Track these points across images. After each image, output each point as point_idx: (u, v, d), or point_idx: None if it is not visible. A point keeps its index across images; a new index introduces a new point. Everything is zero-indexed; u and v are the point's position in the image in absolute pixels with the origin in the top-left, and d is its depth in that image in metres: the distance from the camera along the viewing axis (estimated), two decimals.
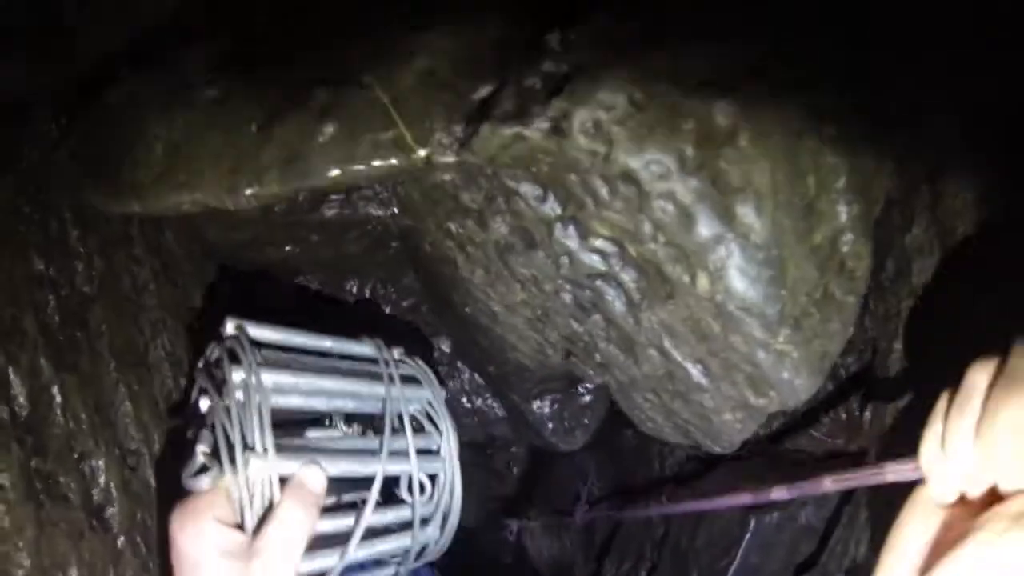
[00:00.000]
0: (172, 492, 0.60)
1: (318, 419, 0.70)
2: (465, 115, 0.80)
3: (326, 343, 0.74)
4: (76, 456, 0.76)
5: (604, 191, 0.77)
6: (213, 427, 0.60)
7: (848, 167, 0.78)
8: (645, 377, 0.95)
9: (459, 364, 1.53)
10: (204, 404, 0.63)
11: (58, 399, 0.76)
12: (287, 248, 1.19)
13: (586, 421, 1.56)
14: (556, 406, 1.51)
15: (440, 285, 1.18)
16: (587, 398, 1.54)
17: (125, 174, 0.85)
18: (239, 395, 0.60)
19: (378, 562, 0.71)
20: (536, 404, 1.50)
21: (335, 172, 0.80)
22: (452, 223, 0.95)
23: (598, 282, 0.87)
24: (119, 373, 0.87)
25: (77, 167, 0.88)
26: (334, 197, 1.09)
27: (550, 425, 1.52)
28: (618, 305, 0.87)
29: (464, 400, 1.55)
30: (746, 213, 0.74)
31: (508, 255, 0.92)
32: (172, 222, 1.07)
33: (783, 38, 0.79)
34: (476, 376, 1.55)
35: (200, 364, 0.67)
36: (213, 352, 0.66)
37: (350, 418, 0.72)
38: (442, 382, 0.84)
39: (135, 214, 0.92)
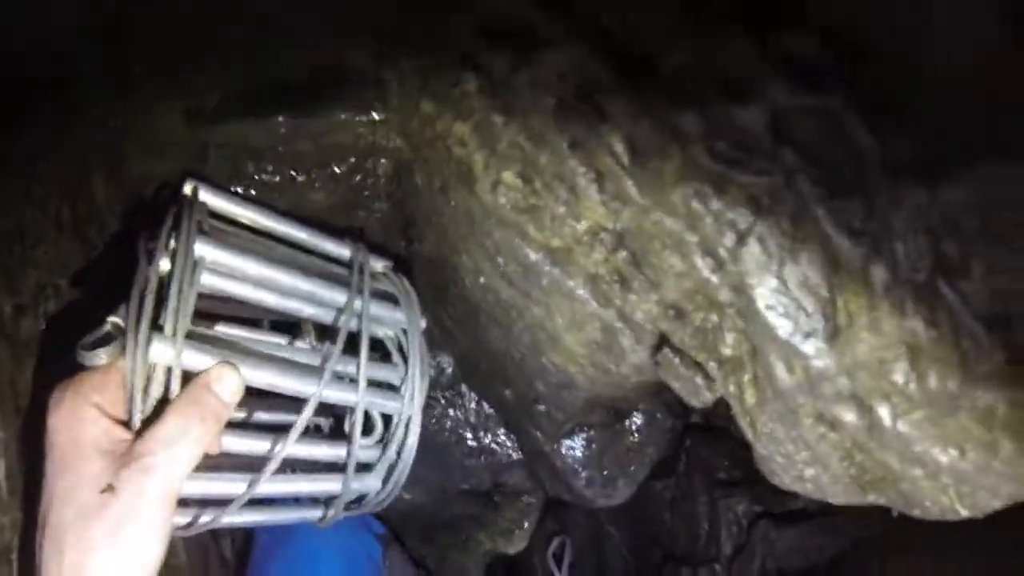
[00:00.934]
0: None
1: (287, 329, 0.63)
2: None
3: (299, 233, 0.65)
4: None
5: None
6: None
7: None
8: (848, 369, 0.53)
9: (463, 388, 1.12)
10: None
11: None
12: None
13: (632, 468, 1.17)
14: (593, 447, 1.12)
15: (447, 239, 0.77)
16: (635, 437, 1.15)
17: None
18: (166, 264, 0.51)
19: (314, 499, 0.64)
20: (567, 445, 1.11)
21: None
22: None
23: None
24: None
25: None
26: None
27: (584, 473, 1.13)
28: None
29: (468, 435, 1.13)
30: None
31: None
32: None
33: None
34: (484, 406, 1.13)
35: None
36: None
37: (323, 335, 0.63)
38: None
39: None
